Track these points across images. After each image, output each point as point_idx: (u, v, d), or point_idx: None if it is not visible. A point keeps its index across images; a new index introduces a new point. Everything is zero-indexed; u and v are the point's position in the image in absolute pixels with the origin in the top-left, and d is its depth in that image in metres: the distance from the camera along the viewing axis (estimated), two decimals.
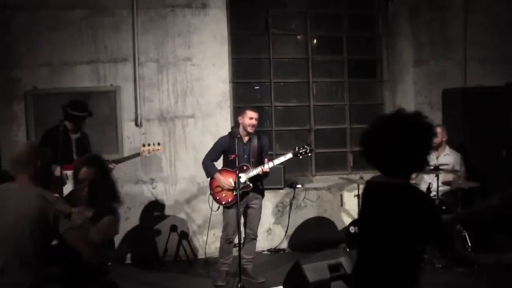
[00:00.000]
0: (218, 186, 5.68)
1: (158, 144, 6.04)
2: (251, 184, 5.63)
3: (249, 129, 5.65)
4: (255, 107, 6.01)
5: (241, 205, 5.65)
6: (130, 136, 6.78)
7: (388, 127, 2.69)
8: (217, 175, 5.68)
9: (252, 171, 5.60)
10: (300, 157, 5.77)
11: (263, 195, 5.91)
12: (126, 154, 6.55)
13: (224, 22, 7.06)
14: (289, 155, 5.69)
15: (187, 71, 6.91)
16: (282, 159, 5.69)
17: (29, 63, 6.55)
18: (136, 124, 6.81)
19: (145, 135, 6.80)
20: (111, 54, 6.73)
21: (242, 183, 5.58)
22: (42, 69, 6.58)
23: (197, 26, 6.91)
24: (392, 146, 2.63)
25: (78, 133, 5.85)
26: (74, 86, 6.61)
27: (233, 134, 5.69)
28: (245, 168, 5.61)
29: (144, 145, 6.00)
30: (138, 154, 5.99)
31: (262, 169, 5.58)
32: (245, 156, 5.67)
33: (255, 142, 5.73)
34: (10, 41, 6.50)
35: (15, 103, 6.56)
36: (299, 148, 5.71)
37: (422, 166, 2.72)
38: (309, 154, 5.82)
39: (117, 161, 5.89)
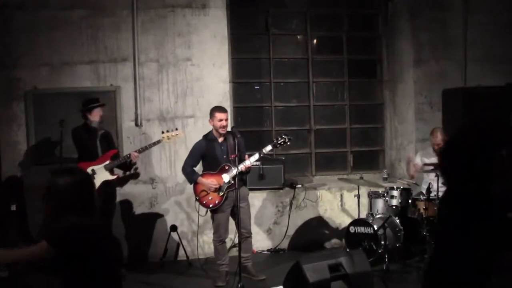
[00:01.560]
0: (203, 190, 5.66)
1: (176, 129, 6.11)
2: (239, 182, 5.60)
3: (220, 131, 5.65)
4: (222, 108, 5.84)
5: (229, 206, 5.65)
6: (130, 136, 6.78)
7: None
8: (201, 179, 5.66)
9: (235, 169, 5.54)
10: (279, 147, 5.77)
11: (248, 193, 5.91)
12: (126, 154, 6.57)
13: (224, 22, 7.06)
14: (269, 147, 5.65)
15: (187, 71, 6.91)
16: (262, 152, 5.64)
17: (29, 63, 6.55)
18: (136, 124, 6.81)
19: (145, 135, 6.80)
20: (111, 54, 6.73)
21: (227, 183, 5.58)
22: (42, 69, 6.58)
23: (197, 26, 6.91)
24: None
25: (101, 128, 6.02)
26: (74, 86, 6.62)
27: (208, 136, 5.70)
28: (226, 168, 5.61)
29: (163, 132, 6.08)
30: (159, 141, 6.06)
31: (245, 166, 5.53)
32: (224, 157, 5.65)
33: (231, 141, 5.67)
34: (10, 41, 6.50)
35: (15, 103, 6.56)
36: (277, 139, 5.72)
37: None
38: (288, 143, 5.76)
39: (139, 150, 6.04)
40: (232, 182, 5.58)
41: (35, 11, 6.54)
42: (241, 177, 5.61)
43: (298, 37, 7.91)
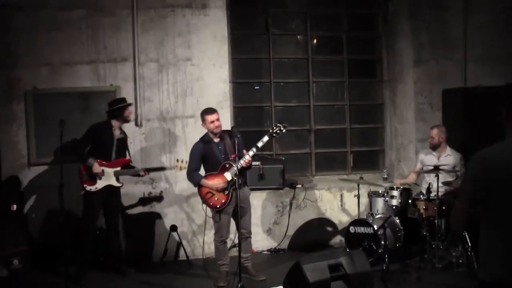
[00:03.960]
0: (208, 192, 5.64)
1: (187, 162, 6.07)
2: (239, 180, 5.58)
3: (215, 131, 5.64)
4: (211, 109, 5.76)
5: (232, 205, 5.64)
6: (130, 136, 6.77)
7: None
8: (204, 181, 5.63)
9: (235, 166, 5.50)
10: (276, 136, 5.69)
11: (249, 193, 5.91)
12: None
13: (224, 22, 7.06)
14: (266, 138, 5.58)
15: (187, 71, 6.91)
16: (259, 144, 5.56)
17: (29, 63, 6.55)
18: (136, 124, 6.81)
19: (145, 135, 6.81)
20: (111, 54, 6.73)
21: (230, 181, 5.56)
22: (42, 69, 6.58)
23: (197, 26, 6.91)
24: None
25: (121, 133, 6.08)
26: (74, 86, 6.62)
27: (205, 138, 5.70)
28: (227, 166, 5.59)
29: (177, 160, 6.07)
30: (164, 168, 6.43)
31: (244, 161, 5.48)
32: (223, 156, 5.64)
33: (227, 140, 5.68)
34: (10, 41, 6.50)
35: (15, 103, 6.56)
36: (272, 129, 5.64)
37: None
38: (284, 131, 5.66)
39: (147, 170, 6.19)
40: (235, 179, 5.51)
41: (35, 11, 6.54)
42: (242, 176, 5.61)
43: (298, 37, 7.91)
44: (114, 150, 5.98)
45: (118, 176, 5.99)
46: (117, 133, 6.04)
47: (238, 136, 5.57)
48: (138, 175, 6.19)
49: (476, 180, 2.78)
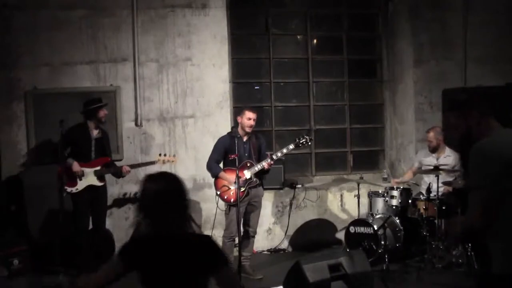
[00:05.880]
0: (224, 185, 5.70)
1: (174, 155, 6.20)
2: (257, 180, 5.71)
3: (247, 129, 5.74)
4: (254, 108, 6.04)
5: (244, 202, 5.68)
6: (130, 136, 6.78)
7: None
8: (223, 174, 5.72)
9: (257, 166, 5.66)
10: (301, 146, 5.87)
11: (263, 194, 5.99)
12: (126, 154, 6.58)
13: (224, 22, 7.06)
14: (291, 146, 5.75)
15: (187, 71, 6.91)
16: (284, 151, 5.76)
17: (29, 63, 6.55)
18: (136, 124, 6.81)
19: (145, 135, 6.81)
20: (111, 54, 6.73)
21: (248, 179, 5.64)
22: (42, 69, 6.58)
23: (197, 26, 6.91)
24: None
25: (99, 132, 5.97)
26: (74, 86, 6.62)
27: (233, 133, 5.73)
28: (248, 164, 5.67)
29: (160, 155, 6.12)
30: (153, 162, 6.07)
31: (267, 163, 5.64)
32: (246, 155, 5.74)
33: (254, 140, 5.83)
34: (10, 41, 6.50)
35: (15, 103, 6.56)
36: (299, 139, 5.79)
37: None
38: (309, 143, 5.91)
39: (132, 166, 6.08)
40: (254, 178, 5.68)
41: (35, 11, 6.54)
42: (259, 178, 5.77)
43: (298, 37, 7.91)
44: (93, 151, 5.89)
45: (100, 176, 5.90)
46: (94, 133, 5.93)
47: (263, 141, 5.88)
48: (121, 174, 6.01)
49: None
